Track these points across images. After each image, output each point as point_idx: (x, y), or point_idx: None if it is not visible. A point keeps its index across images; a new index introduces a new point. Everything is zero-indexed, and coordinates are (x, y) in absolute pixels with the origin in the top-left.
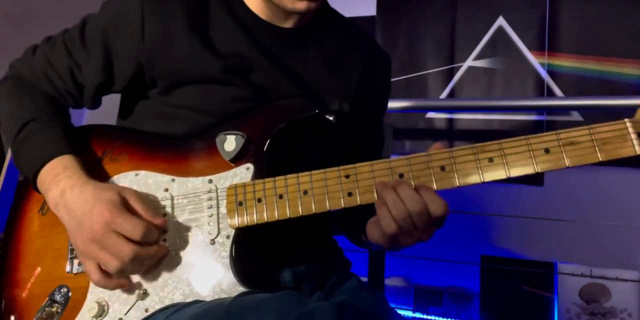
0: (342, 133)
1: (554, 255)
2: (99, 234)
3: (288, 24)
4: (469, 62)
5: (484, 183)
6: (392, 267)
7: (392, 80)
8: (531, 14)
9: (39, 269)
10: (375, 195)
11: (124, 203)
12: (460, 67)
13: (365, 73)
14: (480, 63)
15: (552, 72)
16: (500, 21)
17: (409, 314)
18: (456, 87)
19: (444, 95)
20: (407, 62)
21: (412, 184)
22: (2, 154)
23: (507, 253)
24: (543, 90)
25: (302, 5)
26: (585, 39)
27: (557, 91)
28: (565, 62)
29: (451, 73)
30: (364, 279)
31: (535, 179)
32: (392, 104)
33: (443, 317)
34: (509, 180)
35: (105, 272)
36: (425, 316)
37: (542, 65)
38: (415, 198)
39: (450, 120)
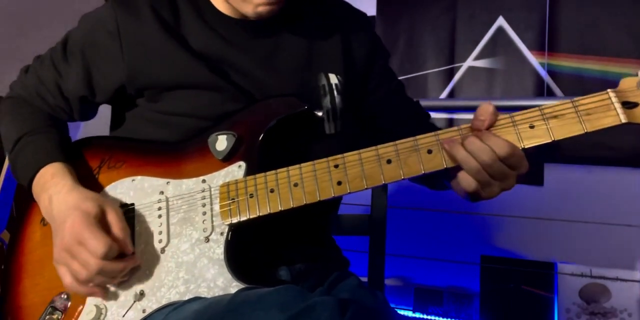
0: (345, 116)
1: (554, 255)
2: (69, 244)
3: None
4: (469, 62)
5: None
6: (392, 267)
7: None
8: (531, 14)
9: (40, 278)
10: (365, 182)
11: (101, 216)
12: (460, 67)
13: (347, 38)
14: (480, 63)
15: (552, 72)
16: (500, 21)
17: (409, 313)
18: (456, 87)
19: (444, 95)
20: (407, 62)
21: (400, 169)
22: (2, 154)
23: (507, 253)
24: (543, 90)
25: (265, 10)
26: (585, 39)
27: (557, 91)
28: (565, 62)
29: (451, 73)
30: (364, 279)
31: (535, 179)
32: None
33: (443, 317)
34: None
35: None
36: (425, 316)
37: (542, 65)
38: (482, 148)
39: (451, 120)
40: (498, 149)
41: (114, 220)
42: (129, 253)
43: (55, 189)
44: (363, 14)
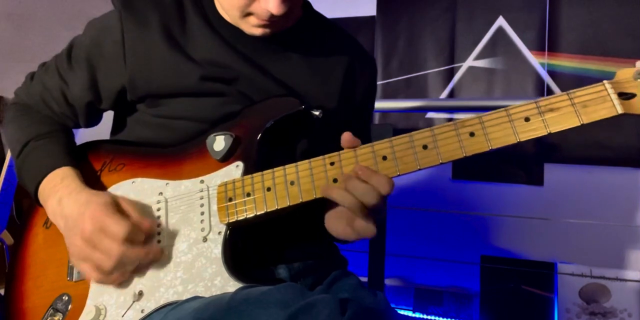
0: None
1: (554, 255)
2: (90, 233)
3: None
4: (469, 62)
5: (466, 157)
6: (392, 267)
7: (392, 80)
8: (531, 14)
9: (43, 279)
10: None
11: (116, 206)
12: (460, 67)
13: (349, 78)
14: (480, 63)
15: (552, 72)
16: (500, 21)
17: (409, 313)
18: (456, 87)
19: (444, 95)
20: (407, 62)
21: (395, 165)
22: (2, 154)
23: (507, 253)
24: (543, 90)
25: (258, 31)
26: (585, 39)
27: (557, 91)
28: (565, 62)
29: (451, 73)
30: (364, 279)
31: (535, 179)
32: (392, 104)
33: (443, 317)
34: (509, 180)
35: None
36: (425, 316)
37: (542, 65)
38: (367, 189)
39: (450, 120)
40: (382, 188)
41: (130, 208)
42: (148, 231)
43: (65, 191)
44: (372, 59)
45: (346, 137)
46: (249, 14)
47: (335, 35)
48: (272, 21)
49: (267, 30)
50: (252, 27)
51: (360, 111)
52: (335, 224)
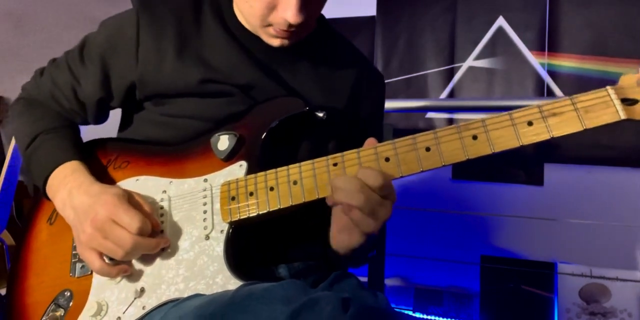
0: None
1: (554, 255)
2: (102, 222)
3: None
4: (469, 62)
5: (469, 160)
6: (392, 267)
7: (392, 80)
8: (531, 14)
9: (45, 275)
10: None
11: (128, 198)
12: (460, 67)
13: (355, 93)
14: (480, 63)
15: (552, 72)
16: (500, 21)
17: (409, 314)
18: (456, 87)
19: (444, 95)
20: (407, 62)
21: (398, 167)
22: (2, 154)
23: (507, 253)
24: (543, 90)
25: (276, 42)
26: (585, 39)
27: (557, 91)
28: (565, 62)
29: (451, 73)
30: (364, 279)
31: (535, 179)
32: (392, 104)
33: (443, 317)
34: (509, 180)
35: (105, 261)
36: (425, 316)
37: (542, 65)
38: (347, 179)
39: (450, 120)
40: (369, 180)
41: (141, 201)
42: (159, 230)
43: (75, 183)
44: (380, 75)
45: (371, 142)
46: (269, 25)
47: (346, 50)
48: (290, 31)
49: (285, 42)
50: (270, 37)
51: (366, 123)
52: (343, 236)
